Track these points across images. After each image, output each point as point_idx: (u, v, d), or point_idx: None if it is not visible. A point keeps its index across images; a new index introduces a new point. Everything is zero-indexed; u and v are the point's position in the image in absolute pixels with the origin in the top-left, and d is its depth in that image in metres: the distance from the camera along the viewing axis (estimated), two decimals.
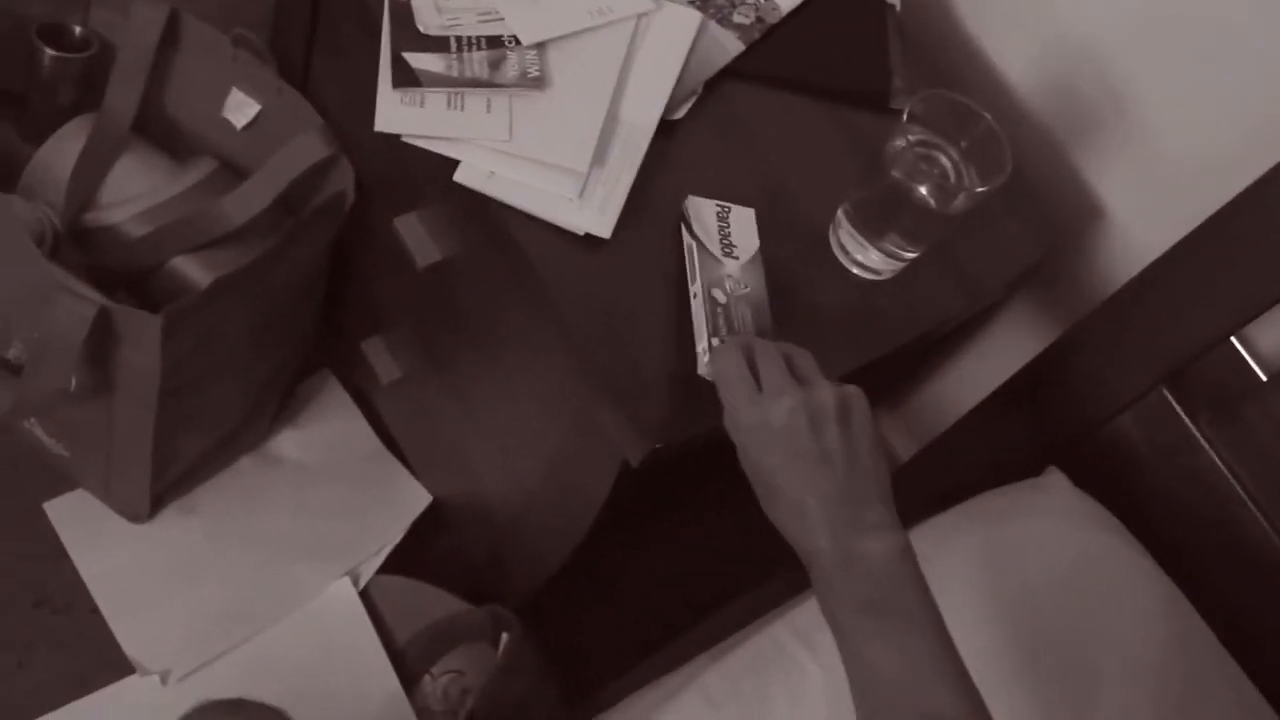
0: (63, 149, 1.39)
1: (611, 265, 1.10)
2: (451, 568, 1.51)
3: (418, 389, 1.50)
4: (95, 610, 1.48)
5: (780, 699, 1.02)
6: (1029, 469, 1.38)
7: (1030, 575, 1.16)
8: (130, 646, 1.46)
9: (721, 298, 1.04)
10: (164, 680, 1.44)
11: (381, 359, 1.49)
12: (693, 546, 1.53)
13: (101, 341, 1.24)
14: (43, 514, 1.53)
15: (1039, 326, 1.51)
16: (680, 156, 1.19)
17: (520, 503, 1.37)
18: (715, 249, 1.08)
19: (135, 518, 1.52)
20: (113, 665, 1.46)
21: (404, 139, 1.13)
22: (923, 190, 1.11)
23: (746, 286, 1.06)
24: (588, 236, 1.11)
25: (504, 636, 1.45)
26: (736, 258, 1.09)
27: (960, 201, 1.12)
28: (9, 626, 1.47)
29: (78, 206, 1.40)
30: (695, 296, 1.05)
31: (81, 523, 1.51)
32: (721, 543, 1.50)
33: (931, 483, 1.57)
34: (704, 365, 0.99)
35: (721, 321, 1.02)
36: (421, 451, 1.59)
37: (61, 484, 1.54)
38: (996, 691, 0.80)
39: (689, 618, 1.41)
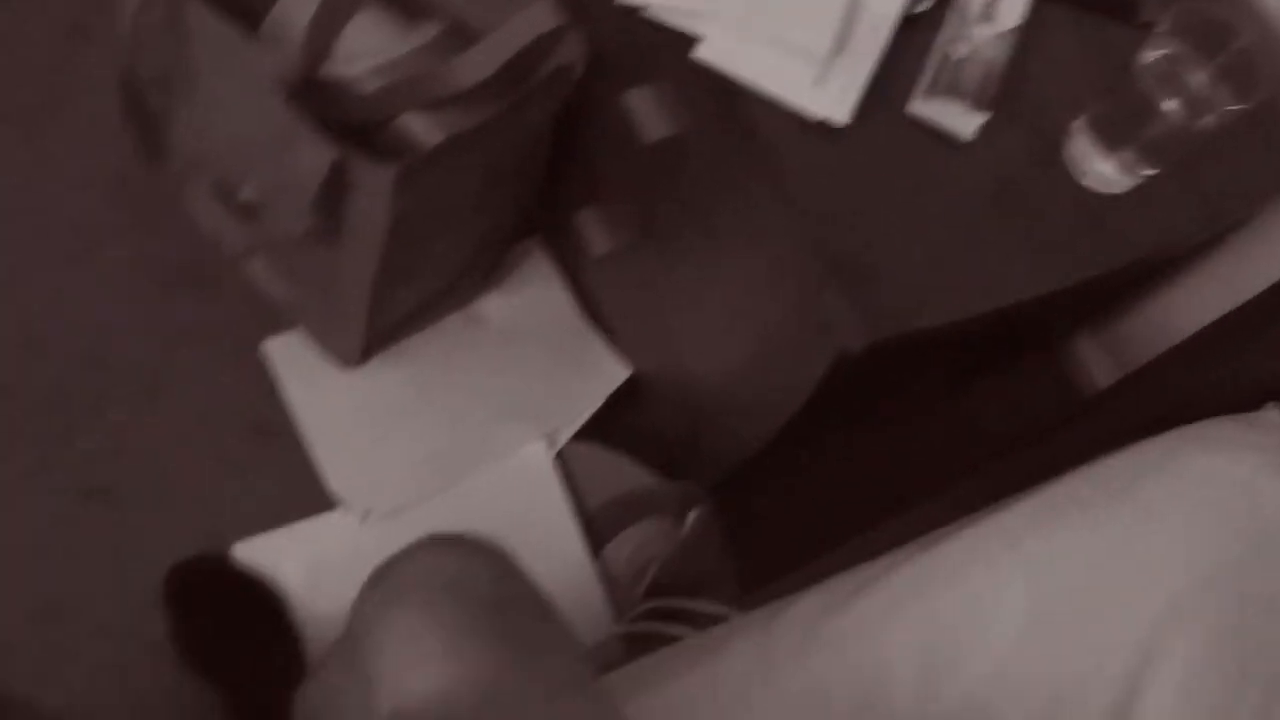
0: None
1: (846, 153, 1.10)
2: (645, 442, 1.53)
3: (628, 264, 1.51)
4: (304, 446, 1.55)
5: (980, 599, 1.02)
6: (1243, 406, 1.33)
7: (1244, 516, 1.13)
8: (335, 483, 1.52)
9: (958, 54, 1.01)
10: (364, 519, 1.50)
11: (594, 231, 1.51)
12: (885, 444, 1.52)
13: (335, 190, 1.28)
14: (261, 351, 1.59)
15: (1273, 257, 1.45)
16: (921, 49, 1.17)
17: (723, 384, 1.38)
18: (976, 6, 1.06)
19: (347, 364, 1.57)
20: (316, 499, 1.53)
21: (641, 13, 1.13)
22: (1169, 106, 1.08)
23: (990, 54, 1.04)
24: (824, 122, 1.10)
25: (692, 514, 1.47)
26: (993, 22, 1.06)
27: (1209, 120, 1.08)
28: (226, 450, 1.55)
29: (314, 57, 1.44)
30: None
31: (296, 362, 1.58)
32: (913, 444, 1.50)
33: (1133, 413, 1.53)
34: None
35: (946, 77, 1.00)
36: (624, 326, 1.61)
37: (281, 324, 1.60)
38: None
39: (876, 514, 1.41)
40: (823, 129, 1.10)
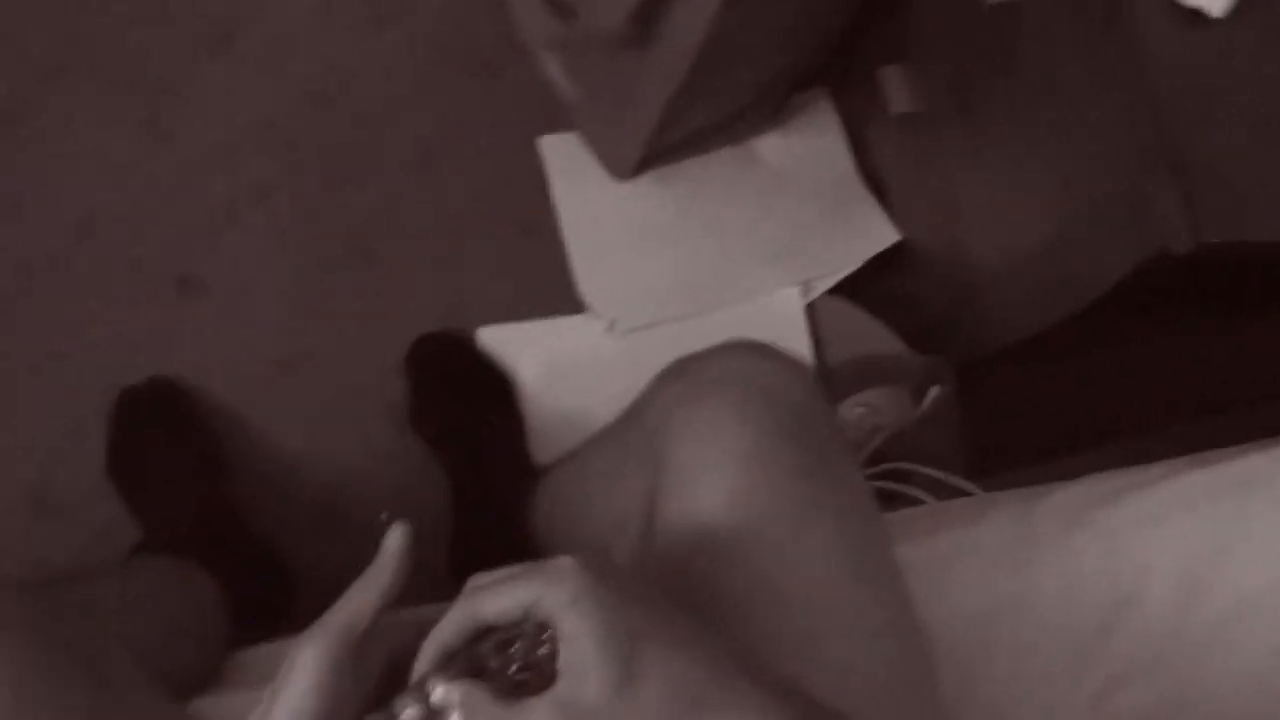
0: None
1: (1215, 46, 1.04)
2: (899, 310, 1.51)
3: (923, 128, 1.47)
4: (562, 244, 1.56)
5: (1259, 520, 0.99)
6: None
7: None
8: (586, 288, 1.54)
9: None
10: (610, 328, 1.52)
11: (897, 89, 1.47)
12: (1146, 361, 1.48)
13: None
14: (535, 146, 1.60)
15: None
16: None
17: (1005, 266, 1.35)
18: None
19: (618, 175, 1.58)
20: (564, 301, 1.55)
21: None
22: None
23: None
24: (1198, 10, 1.05)
25: (933, 390, 1.45)
26: None
27: None
28: (486, 235, 1.57)
29: None
30: None
31: (569, 163, 1.59)
32: (1171, 368, 1.45)
33: None
34: None
35: None
36: (901, 190, 1.58)
37: (560, 123, 1.60)
38: None
39: (1120, 431, 1.38)
40: (1195, 17, 1.04)
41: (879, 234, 1.56)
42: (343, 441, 1.51)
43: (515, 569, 0.64)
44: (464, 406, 1.47)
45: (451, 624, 0.64)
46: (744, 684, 0.63)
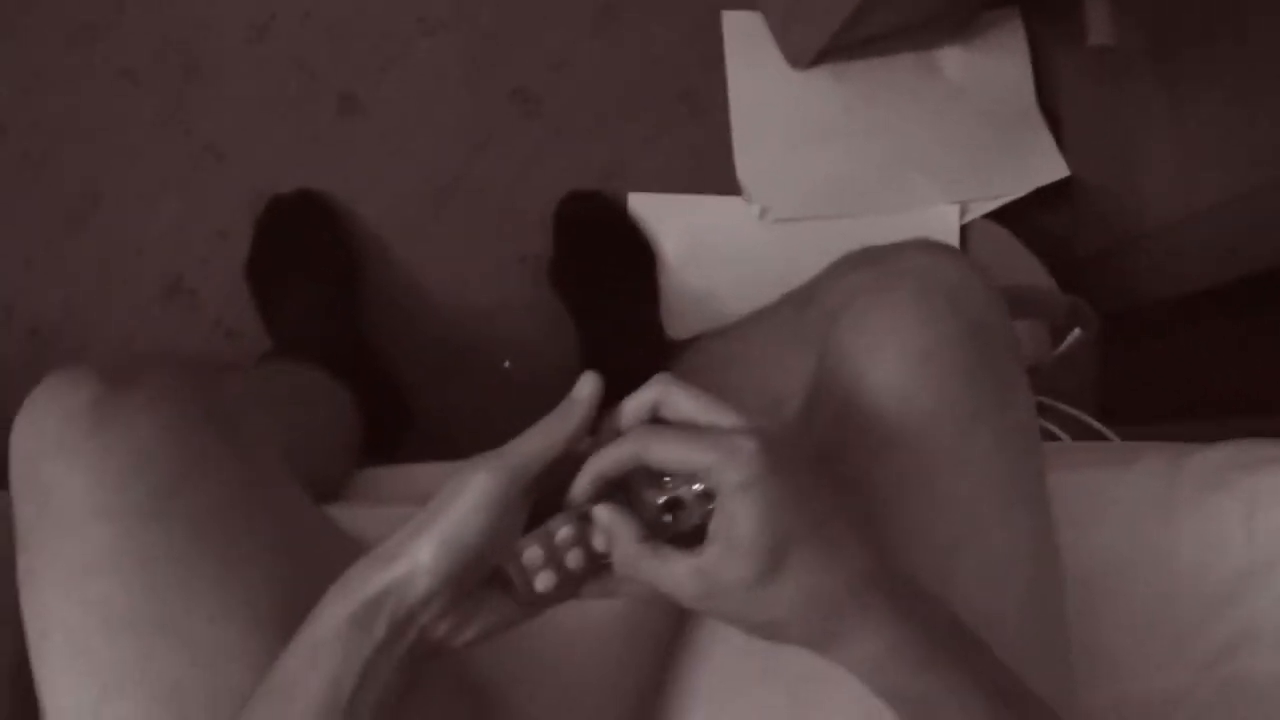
0: None
1: None
2: (1054, 246, 1.48)
3: (1119, 64, 1.43)
4: (726, 125, 1.55)
5: None
6: None
7: None
8: (744, 172, 1.52)
9: None
10: (761, 215, 1.50)
11: (1100, 19, 1.42)
12: None
13: None
14: (715, 22, 1.58)
15: None
16: None
17: (1183, 216, 1.31)
18: None
19: (795, 62, 1.55)
20: (720, 181, 1.54)
21: None
22: None
23: None
24: None
25: (1075, 331, 1.43)
26: None
27: None
28: (653, 103, 1.56)
29: None
30: None
31: (748, 43, 1.56)
32: None
33: None
34: None
35: None
36: (1081, 124, 1.54)
37: (744, 1, 1.58)
38: None
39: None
40: None
41: (1049, 166, 1.53)
42: (479, 284, 1.52)
43: (703, 407, 0.65)
44: (604, 268, 1.47)
45: (613, 456, 0.66)
46: (879, 599, 0.64)
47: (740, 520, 0.62)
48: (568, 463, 0.68)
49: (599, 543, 0.67)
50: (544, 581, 0.67)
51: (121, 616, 0.72)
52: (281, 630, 0.72)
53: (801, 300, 0.92)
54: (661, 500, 0.66)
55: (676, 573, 0.63)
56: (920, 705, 0.64)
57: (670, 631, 0.87)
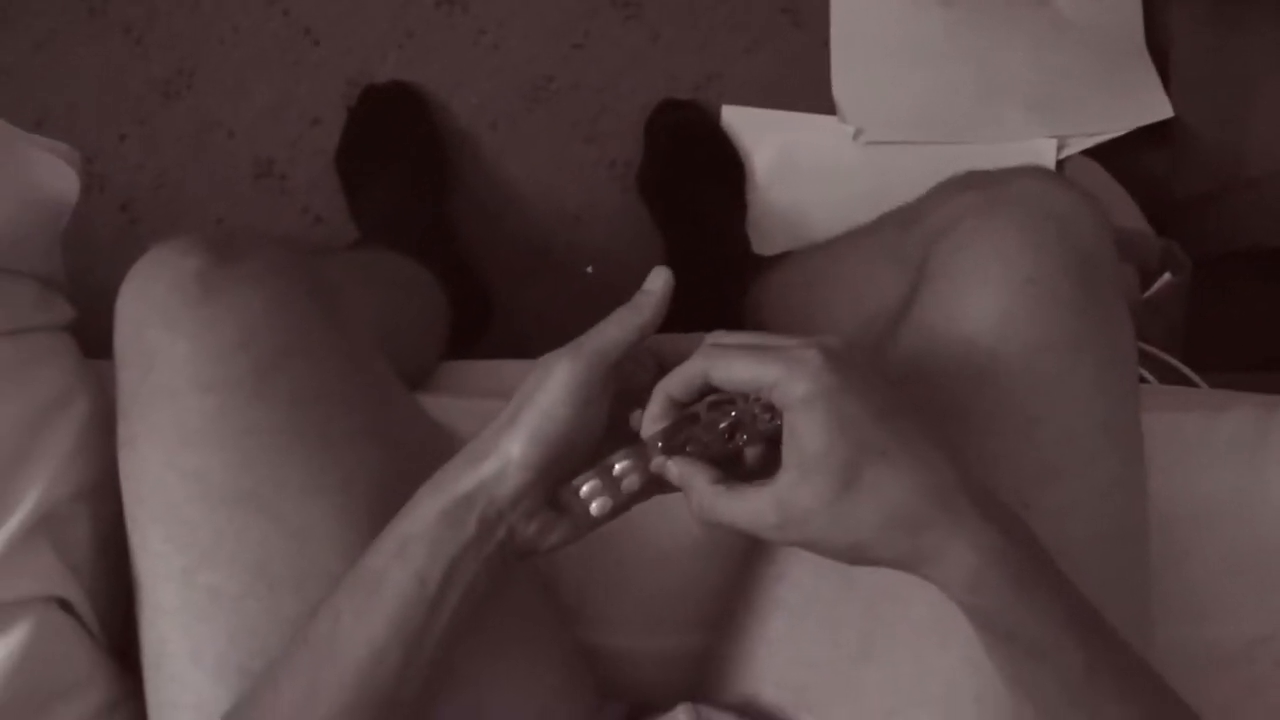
0: None
1: None
2: (1150, 187, 1.46)
3: (1235, 6, 1.39)
4: (825, 42, 1.52)
5: None
6: None
7: None
8: (840, 92, 1.51)
9: None
10: (855, 136, 1.49)
11: None
12: None
13: None
14: None
15: None
16: None
17: None
18: None
19: None
20: (815, 99, 1.52)
21: None
22: None
23: None
24: None
25: (1165, 275, 1.40)
26: None
27: None
28: (753, 20, 1.54)
29: None
30: None
31: None
32: None
33: None
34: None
35: None
36: (1190, 64, 1.50)
37: None
38: None
39: None
40: None
41: (1152, 105, 1.49)
42: (567, 186, 1.52)
43: (761, 341, 0.64)
44: (693, 179, 1.47)
45: (681, 378, 0.65)
46: (970, 510, 0.61)
47: (808, 437, 0.60)
48: (640, 369, 0.69)
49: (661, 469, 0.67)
50: (599, 507, 0.67)
51: (217, 489, 0.73)
52: (371, 516, 0.74)
53: (904, 220, 0.91)
54: (724, 425, 0.66)
55: (754, 508, 0.63)
56: (1018, 629, 0.62)
57: (752, 541, 0.88)
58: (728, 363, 0.63)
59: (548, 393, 0.65)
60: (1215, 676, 0.92)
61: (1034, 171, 0.83)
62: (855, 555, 0.63)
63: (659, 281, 0.68)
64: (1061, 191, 0.81)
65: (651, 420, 0.67)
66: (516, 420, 0.65)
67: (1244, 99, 1.38)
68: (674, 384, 0.66)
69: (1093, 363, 0.79)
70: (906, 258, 0.87)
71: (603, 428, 0.68)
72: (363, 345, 0.83)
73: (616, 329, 0.67)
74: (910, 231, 0.88)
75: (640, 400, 0.68)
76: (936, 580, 0.62)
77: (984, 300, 0.78)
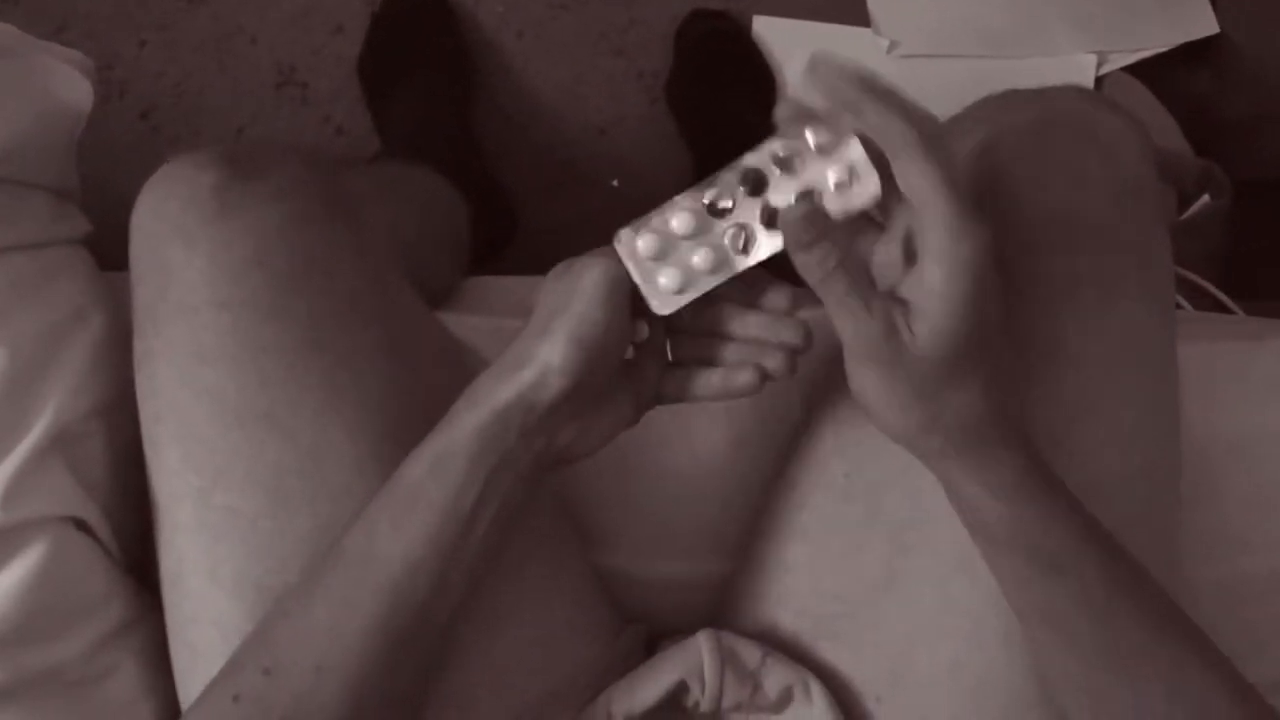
0: None
1: None
2: (1192, 107, 1.42)
3: None
4: None
5: None
6: None
7: None
8: (875, 3, 1.47)
9: None
10: (890, 49, 1.45)
11: None
12: None
13: None
14: None
15: None
16: None
17: None
18: None
19: None
20: (851, 11, 1.48)
21: None
22: None
23: None
24: None
25: (1204, 198, 1.37)
26: None
27: None
28: None
29: None
30: None
31: None
32: None
33: None
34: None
35: None
36: None
37: None
38: None
39: None
40: None
41: (1198, 21, 1.45)
42: (594, 97, 1.49)
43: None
44: (724, 92, 1.44)
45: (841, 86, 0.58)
46: (1014, 428, 0.63)
47: (951, 304, 0.57)
48: None
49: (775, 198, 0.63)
50: (669, 277, 0.64)
51: (233, 407, 0.72)
52: (391, 434, 0.73)
53: (934, 142, 0.88)
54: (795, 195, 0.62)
55: (873, 315, 0.59)
56: (1044, 540, 0.63)
57: (774, 469, 0.86)
58: (910, 151, 0.57)
59: (583, 296, 0.64)
60: (1247, 609, 0.91)
61: (1077, 93, 0.81)
62: (913, 416, 0.62)
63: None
64: (1105, 114, 0.79)
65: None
66: (555, 326, 0.64)
67: None
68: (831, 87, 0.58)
69: (1134, 293, 0.77)
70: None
71: (632, 332, 0.67)
72: (383, 263, 0.82)
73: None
74: (947, 141, 0.85)
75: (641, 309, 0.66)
76: (969, 480, 0.63)
77: (1021, 234, 0.76)
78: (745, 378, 0.67)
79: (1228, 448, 0.92)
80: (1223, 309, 1.22)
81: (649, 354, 0.69)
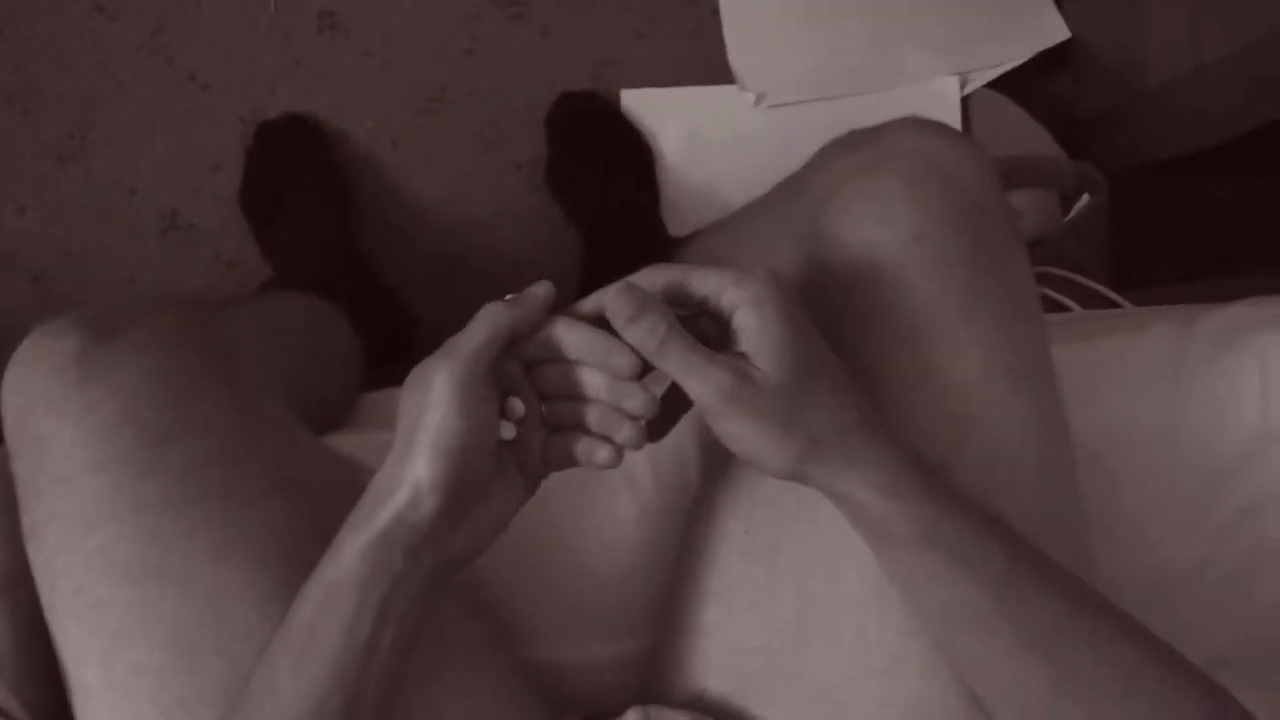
0: None
1: None
2: (1057, 110, 1.45)
3: None
4: (715, 13, 1.51)
5: None
6: None
7: None
8: (736, 59, 1.49)
9: None
10: (757, 101, 1.47)
11: None
12: None
13: None
14: None
15: None
16: None
17: (1188, 70, 1.28)
18: None
19: None
20: (714, 70, 1.51)
21: None
22: None
23: None
24: None
25: (1084, 197, 1.40)
26: None
27: None
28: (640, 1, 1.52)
29: None
30: None
31: None
32: None
33: None
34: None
35: None
36: None
37: None
38: None
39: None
40: None
41: (1049, 29, 1.49)
42: (476, 194, 1.50)
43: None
44: (602, 169, 1.45)
45: (644, 278, 0.66)
46: (880, 430, 0.67)
47: (767, 325, 0.63)
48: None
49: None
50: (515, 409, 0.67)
51: (123, 565, 0.72)
52: (288, 569, 0.73)
53: (791, 189, 0.90)
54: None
55: (714, 372, 0.63)
56: (939, 529, 0.66)
57: (678, 537, 0.87)
58: (676, 271, 0.66)
59: (436, 407, 0.63)
60: (1164, 601, 0.92)
61: (912, 124, 0.82)
62: (805, 453, 0.65)
63: (542, 289, 0.68)
64: (940, 141, 0.80)
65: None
66: (413, 445, 0.64)
67: (1135, 13, 1.37)
68: (643, 278, 0.66)
69: (992, 309, 0.78)
70: (799, 227, 0.85)
71: (498, 422, 0.66)
72: (262, 400, 0.82)
73: (484, 330, 0.65)
74: (799, 201, 0.87)
75: (514, 389, 0.67)
76: (858, 486, 0.66)
77: (874, 265, 0.77)
78: (602, 455, 0.68)
79: (1120, 440, 0.93)
80: (1113, 304, 1.24)
81: (530, 425, 0.69)
